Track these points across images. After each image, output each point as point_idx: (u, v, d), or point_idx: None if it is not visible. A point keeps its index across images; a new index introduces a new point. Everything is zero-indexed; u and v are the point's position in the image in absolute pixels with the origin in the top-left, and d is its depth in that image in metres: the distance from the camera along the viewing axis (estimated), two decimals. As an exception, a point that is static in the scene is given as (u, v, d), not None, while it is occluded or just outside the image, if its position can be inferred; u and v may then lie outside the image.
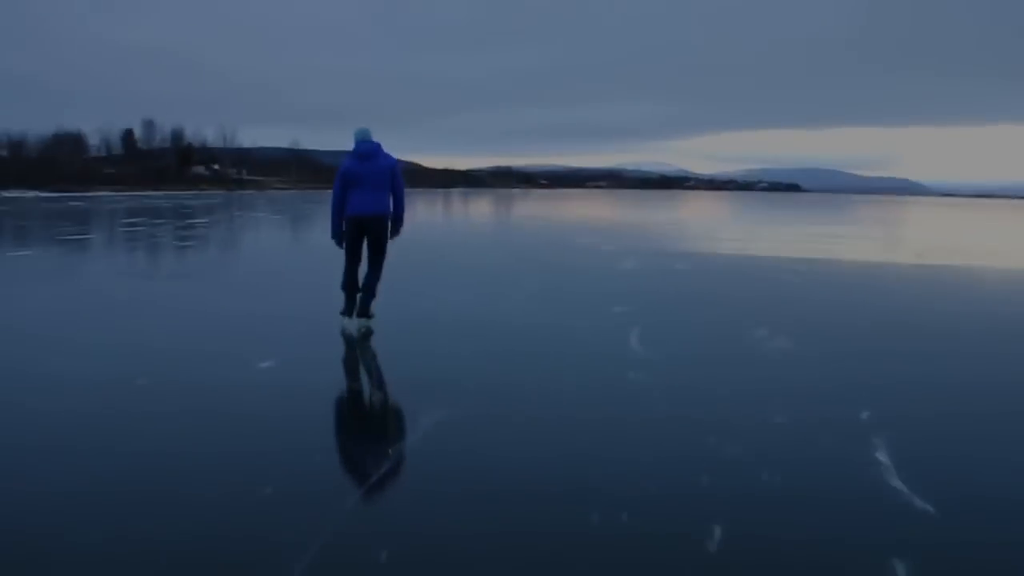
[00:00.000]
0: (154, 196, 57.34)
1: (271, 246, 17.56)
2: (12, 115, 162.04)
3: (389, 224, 7.15)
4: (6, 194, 69.76)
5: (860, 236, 21.97)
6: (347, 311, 7.10)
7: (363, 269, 6.99)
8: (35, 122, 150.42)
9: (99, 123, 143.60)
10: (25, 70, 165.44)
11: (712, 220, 33.08)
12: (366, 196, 6.91)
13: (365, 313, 7.05)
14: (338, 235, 7.12)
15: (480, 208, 42.32)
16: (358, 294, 7.07)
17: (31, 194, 68.20)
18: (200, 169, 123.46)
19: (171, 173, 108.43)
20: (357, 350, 6.47)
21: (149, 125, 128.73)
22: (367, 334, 6.83)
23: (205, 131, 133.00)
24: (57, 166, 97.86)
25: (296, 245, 18.01)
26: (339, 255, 7.01)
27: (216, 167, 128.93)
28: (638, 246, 16.65)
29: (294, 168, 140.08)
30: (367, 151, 7.00)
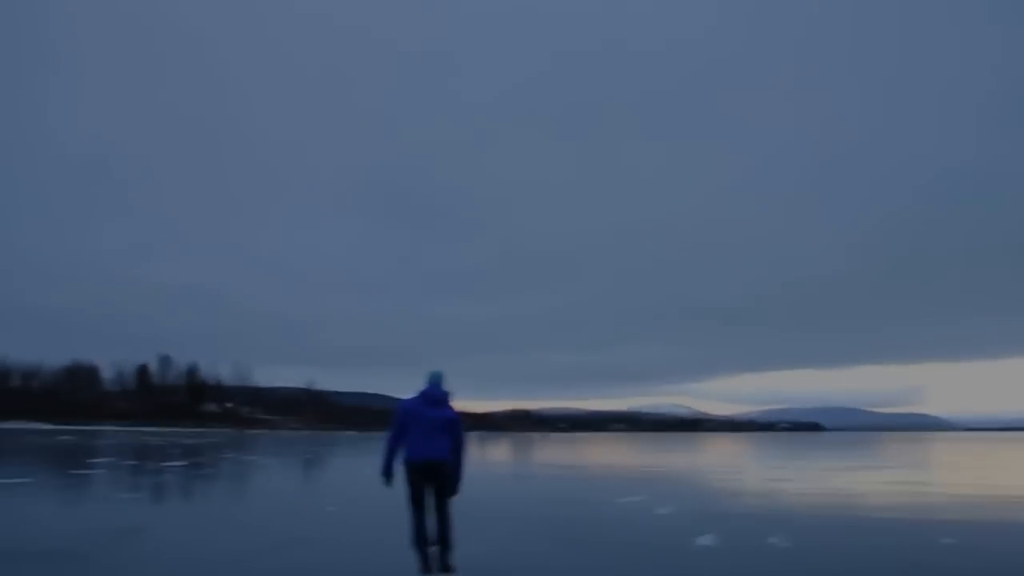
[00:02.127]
0: (152, 432, 55.01)
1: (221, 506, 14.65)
2: (29, 346, 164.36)
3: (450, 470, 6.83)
4: (5, 425, 67.39)
5: (946, 480, 18.73)
6: (425, 568, 6.67)
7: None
8: (51, 353, 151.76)
9: (115, 357, 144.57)
10: (48, 303, 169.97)
11: (755, 465, 29.66)
12: (430, 441, 6.69)
13: (448, 569, 6.68)
14: (387, 474, 6.80)
15: (498, 456, 39.16)
16: (430, 548, 6.72)
17: (33, 426, 65.80)
18: (212, 406, 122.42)
19: (182, 410, 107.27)
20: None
21: (165, 361, 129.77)
22: None
23: (220, 368, 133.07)
24: (66, 399, 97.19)
25: (271, 501, 15.06)
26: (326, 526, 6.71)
27: (229, 405, 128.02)
28: (698, 507, 13.52)
29: (309, 409, 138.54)
30: (437, 397, 6.85)
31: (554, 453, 39.01)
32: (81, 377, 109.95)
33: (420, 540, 6.77)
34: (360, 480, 19.27)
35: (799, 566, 7.95)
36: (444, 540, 6.77)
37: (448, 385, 6.99)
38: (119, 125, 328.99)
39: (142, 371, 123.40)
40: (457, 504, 7.05)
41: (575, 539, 9.64)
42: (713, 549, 8.86)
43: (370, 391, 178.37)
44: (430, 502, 6.79)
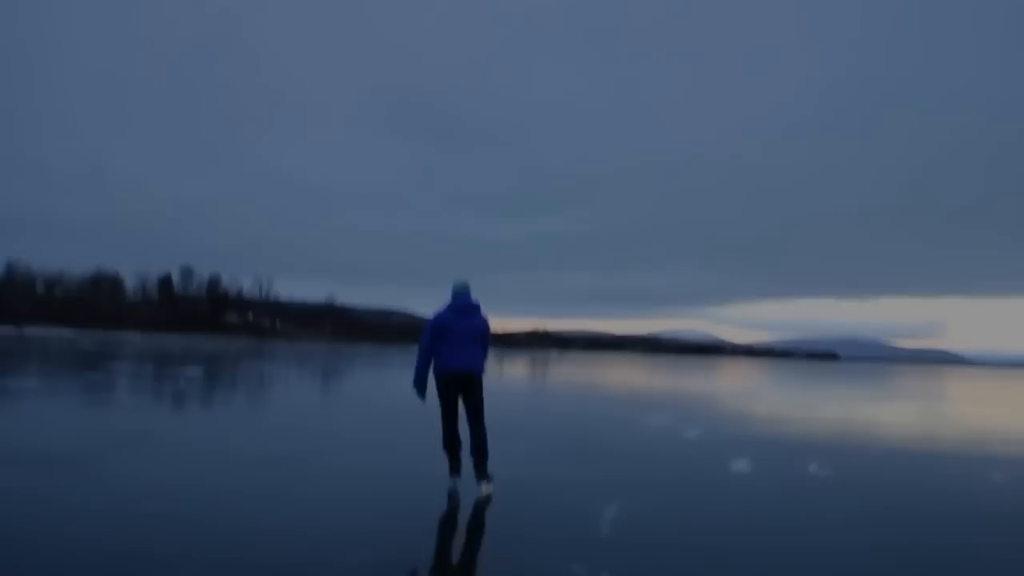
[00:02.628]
0: (170, 339, 55.59)
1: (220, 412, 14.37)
2: (53, 254, 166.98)
3: (483, 381, 6.90)
4: (29, 331, 68.45)
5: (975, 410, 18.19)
6: (454, 469, 6.90)
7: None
8: (75, 262, 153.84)
9: (138, 267, 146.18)
10: (72, 213, 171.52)
11: (780, 392, 29.18)
12: (460, 352, 6.69)
13: (484, 475, 6.81)
14: (420, 386, 6.79)
15: (517, 372, 39.02)
16: (461, 452, 6.89)
17: (55, 332, 66.81)
18: (233, 317, 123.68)
19: (204, 320, 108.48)
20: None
21: (187, 272, 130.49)
22: (488, 498, 6.57)
23: (242, 281, 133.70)
24: (89, 306, 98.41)
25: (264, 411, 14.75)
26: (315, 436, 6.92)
27: (250, 316, 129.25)
28: (729, 431, 13.06)
29: (329, 322, 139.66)
30: (466, 307, 6.84)
31: (575, 372, 38.84)
32: (104, 286, 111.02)
33: (452, 443, 6.87)
34: (382, 388, 19.04)
35: (847, 496, 7.42)
36: (480, 450, 6.79)
37: (475, 294, 6.93)
38: (144, 40, 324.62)
39: (165, 281, 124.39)
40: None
41: (585, 452, 9.20)
42: (750, 476, 8.36)
43: (392, 307, 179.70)
44: (461, 413, 6.82)
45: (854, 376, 55.56)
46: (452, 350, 6.67)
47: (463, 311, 6.78)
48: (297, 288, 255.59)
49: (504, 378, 29.68)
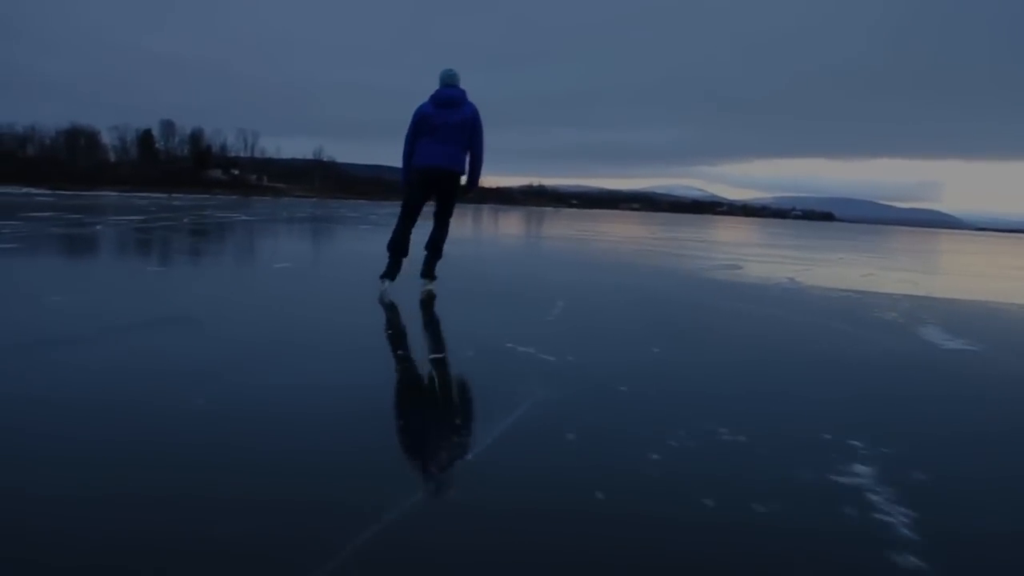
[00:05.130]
0: (142, 196, 52.74)
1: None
2: (29, 112, 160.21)
3: (461, 182, 6.50)
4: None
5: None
6: (388, 273, 6.38)
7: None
8: (51, 120, 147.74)
9: (117, 123, 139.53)
10: (47, 69, 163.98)
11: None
12: (437, 148, 6.25)
13: (430, 274, 6.52)
14: (408, 182, 6.45)
15: (512, 226, 36.65)
16: (404, 259, 6.44)
17: (28, 191, 63.95)
18: (217, 173, 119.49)
19: (186, 176, 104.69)
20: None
21: (168, 126, 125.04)
22: (430, 298, 6.20)
23: (225, 137, 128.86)
24: (65, 164, 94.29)
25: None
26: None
27: (235, 172, 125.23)
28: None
29: (317, 177, 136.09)
30: (449, 98, 6.30)
31: (576, 226, 36.42)
32: (80, 142, 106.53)
33: (400, 245, 6.41)
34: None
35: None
36: (436, 246, 6.55)
37: (463, 84, 6.46)
38: None
39: (145, 137, 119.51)
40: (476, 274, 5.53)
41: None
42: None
43: (384, 163, 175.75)
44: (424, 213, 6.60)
45: (857, 236, 53.53)
46: (429, 145, 6.26)
47: (446, 102, 6.27)
48: (285, 145, 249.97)
49: (541, 239, 27.30)
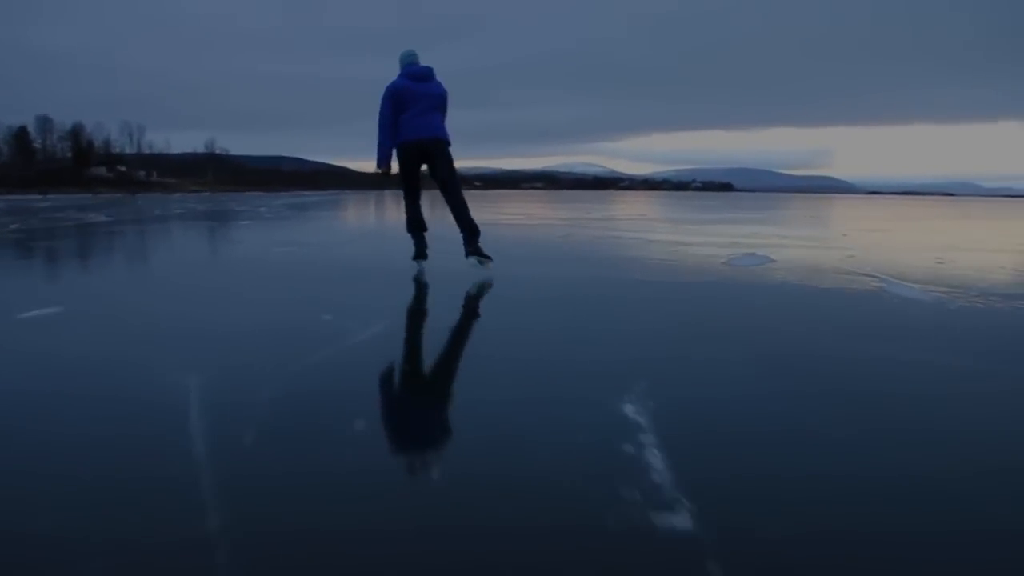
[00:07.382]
0: (6, 199, 48.64)
1: None
2: None
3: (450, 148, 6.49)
4: None
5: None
6: (419, 254, 6.67)
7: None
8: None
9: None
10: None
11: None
12: (422, 119, 6.32)
13: (480, 252, 6.32)
14: (386, 160, 6.42)
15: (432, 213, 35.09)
16: (425, 233, 6.69)
17: None
18: (101, 170, 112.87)
19: (66, 174, 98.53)
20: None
21: (45, 122, 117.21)
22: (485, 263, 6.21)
23: (109, 131, 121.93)
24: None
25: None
26: None
27: (122, 169, 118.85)
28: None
29: (211, 170, 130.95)
30: (421, 72, 6.47)
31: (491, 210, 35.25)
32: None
33: (414, 226, 6.66)
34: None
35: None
36: (468, 226, 6.37)
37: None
38: None
39: (20, 133, 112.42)
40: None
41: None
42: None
43: (282, 153, 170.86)
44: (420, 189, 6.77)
45: (757, 205, 54.30)
46: (414, 117, 6.32)
47: (420, 76, 6.43)
48: (175, 139, 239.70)
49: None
